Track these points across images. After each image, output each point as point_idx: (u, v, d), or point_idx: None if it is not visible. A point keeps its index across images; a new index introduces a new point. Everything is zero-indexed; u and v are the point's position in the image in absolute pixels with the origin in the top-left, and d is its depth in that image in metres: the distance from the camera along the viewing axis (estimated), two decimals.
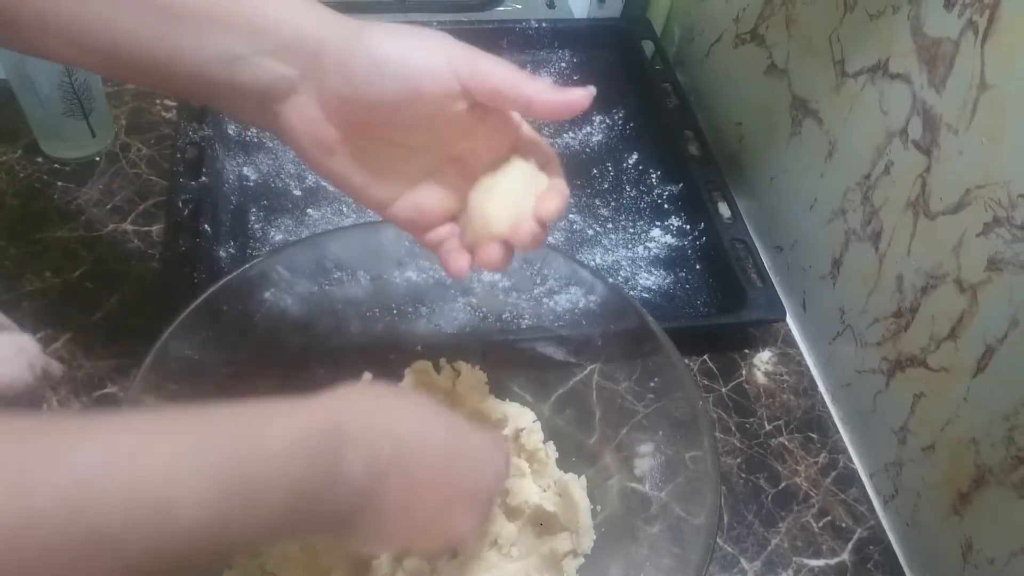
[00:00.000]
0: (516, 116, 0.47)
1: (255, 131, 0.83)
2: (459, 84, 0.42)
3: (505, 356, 0.49)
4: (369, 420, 0.40)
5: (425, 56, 0.42)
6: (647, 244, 0.81)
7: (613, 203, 0.84)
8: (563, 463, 0.60)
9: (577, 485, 0.57)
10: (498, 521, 0.57)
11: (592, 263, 0.78)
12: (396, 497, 0.40)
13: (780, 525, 0.66)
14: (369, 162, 0.45)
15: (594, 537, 0.56)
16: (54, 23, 0.41)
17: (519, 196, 0.45)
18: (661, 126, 0.90)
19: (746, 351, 0.76)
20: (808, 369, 0.76)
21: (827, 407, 0.74)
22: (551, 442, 0.61)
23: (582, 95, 0.42)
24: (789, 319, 0.78)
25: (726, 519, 0.65)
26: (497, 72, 0.42)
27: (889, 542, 0.67)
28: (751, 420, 0.71)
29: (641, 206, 0.84)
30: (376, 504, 0.39)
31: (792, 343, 0.77)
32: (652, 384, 0.57)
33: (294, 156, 0.74)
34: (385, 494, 0.39)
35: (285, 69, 0.42)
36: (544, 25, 0.96)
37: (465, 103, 0.43)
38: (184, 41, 0.41)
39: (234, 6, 0.42)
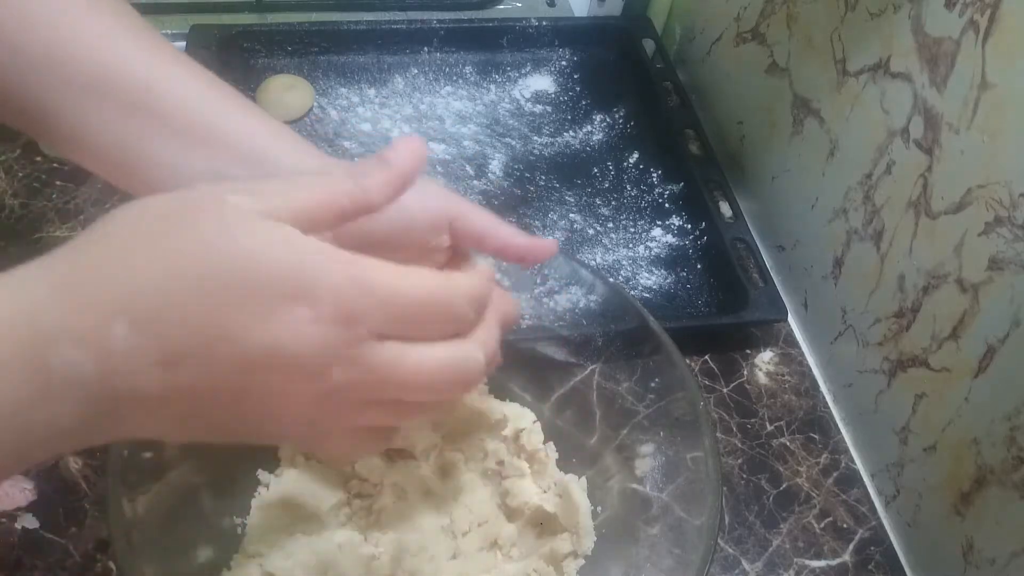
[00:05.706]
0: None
1: None
2: (447, 219, 0.45)
3: (505, 356, 0.49)
4: (88, 292, 0.31)
5: (420, 196, 0.43)
6: (648, 243, 0.81)
7: (614, 202, 0.84)
8: (563, 464, 0.60)
9: (577, 486, 0.57)
10: (498, 522, 0.57)
11: (592, 263, 0.78)
12: (160, 385, 0.30)
13: (781, 526, 0.66)
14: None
15: (594, 538, 0.56)
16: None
17: None
18: (662, 125, 0.89)
19: (747, 351, 0.76)
20: (809, 369, 0.76)
21: (828, 407, 0.74)
22: (551, 443, 0.60)
23: (549, 245, 0.47)
24: (790, 319, 0.78)
25: (727, 520, 0.65)
26: (481, 216, 0.46)
27: (890, 543, 0.67)
28: (752, 420, 0.71)
29: (642, 205, 0.84)
30: (138, 398, 0.30)
31: (793, 343, 0.77)
32: (653, 384, 0.57)
33: None
34: (141, 385, 0.30)
35: None
36: (544, 23, 0.96)
37: (448, 237, 0.46)
38: (170, 153, 0.42)
39: (232, 137, 0.43)
